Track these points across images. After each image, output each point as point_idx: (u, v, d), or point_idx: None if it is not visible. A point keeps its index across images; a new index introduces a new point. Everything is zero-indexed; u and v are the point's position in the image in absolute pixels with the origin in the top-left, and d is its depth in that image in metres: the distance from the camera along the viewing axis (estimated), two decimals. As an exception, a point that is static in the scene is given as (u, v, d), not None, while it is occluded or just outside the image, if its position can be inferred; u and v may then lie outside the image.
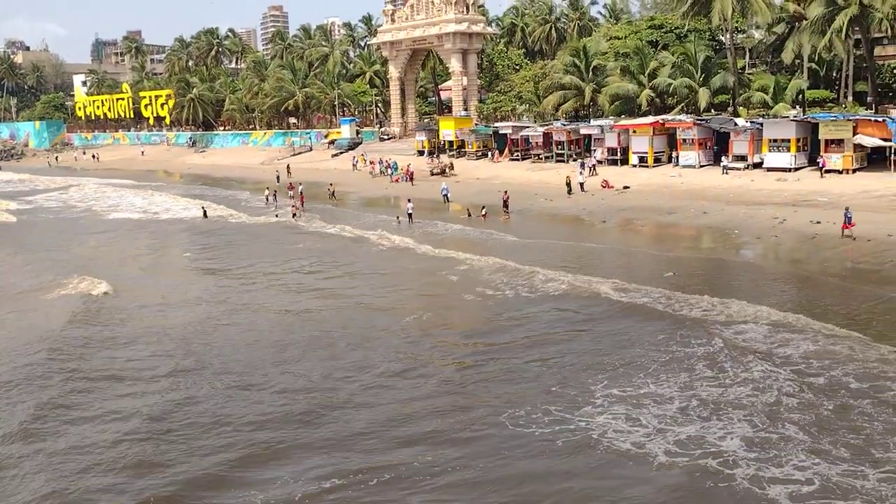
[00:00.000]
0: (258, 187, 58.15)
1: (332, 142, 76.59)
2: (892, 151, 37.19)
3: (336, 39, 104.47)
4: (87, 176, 76.22)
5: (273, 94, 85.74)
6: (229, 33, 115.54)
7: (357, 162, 61.26)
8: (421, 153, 63.71)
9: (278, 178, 59.21)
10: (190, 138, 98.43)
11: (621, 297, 21.56)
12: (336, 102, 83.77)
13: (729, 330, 18.23)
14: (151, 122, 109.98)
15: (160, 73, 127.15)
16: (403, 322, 20.68)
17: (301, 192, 45.68)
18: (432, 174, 53.48)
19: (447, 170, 54.39)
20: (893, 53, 57.54)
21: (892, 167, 37.12)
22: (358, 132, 76.95)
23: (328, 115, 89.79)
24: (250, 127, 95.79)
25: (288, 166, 65.47)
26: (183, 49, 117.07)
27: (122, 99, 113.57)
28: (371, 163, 59.70)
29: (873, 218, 29.68)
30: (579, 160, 48.73)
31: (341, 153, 71.40)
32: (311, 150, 77.69)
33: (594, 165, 47.30)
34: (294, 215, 41.37)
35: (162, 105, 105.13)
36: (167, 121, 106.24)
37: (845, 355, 16.19)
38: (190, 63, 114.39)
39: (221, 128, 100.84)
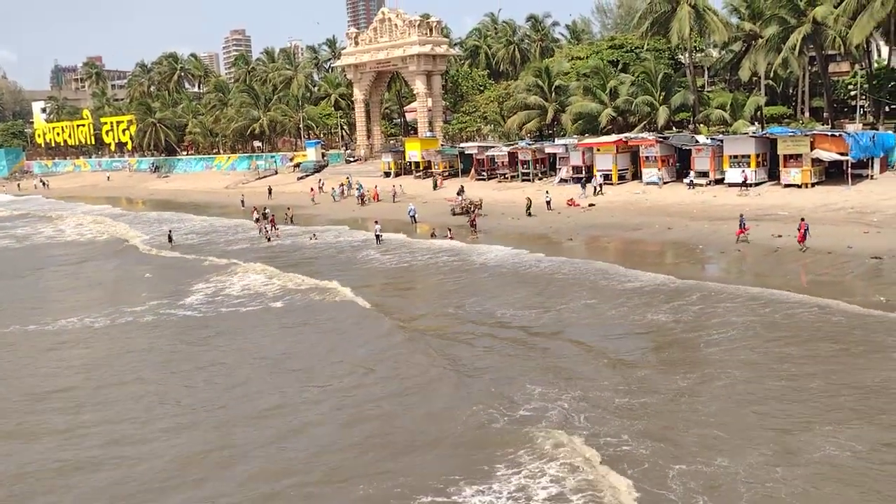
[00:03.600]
0: (225, 212, 57.78)
1: (297, 165, 76.26)
2: (849, 165, 38.06)
3: (300, 62, 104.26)
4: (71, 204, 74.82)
5: (236, 118, 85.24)
6: (191, 57, 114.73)
7: (324, 185, 60.97)
8: (387, 174, 63.66)
9: (242, 202, 58.73)
10: (153, 164, 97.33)
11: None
12: (301, 125, 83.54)
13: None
14: (113, 148, 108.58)
15: (121, 99, 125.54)
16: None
17: (272, 216, 45.33)
18: (454, 214, 43.66)
19: (475, 209, 42.34)
20: (847, 70, 59.14)
21: (849, 181, 37.97)
22: (324, 155, 76.74)
23: (293, 138, 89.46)
24: (214, 151, 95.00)
25: (270, 188, 65.21)
26: (144, 74, 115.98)
27: (83, 125, 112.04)
28: (341, 185, 59.29)
29: (833, 231, 30.31)
30: (582, 179, 47.49)
31: (307, 176, 71.08)
32: (276, 173, 77.24)
33: (601, 184, 45.67)
34: (268, 239, 41.43)
35: (124, 131, 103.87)
36: (129, 146, 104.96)
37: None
38: (152, 88, 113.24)
39: (185, 152, 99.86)
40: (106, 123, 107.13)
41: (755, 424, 14.13)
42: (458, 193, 47.92)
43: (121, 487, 13.58)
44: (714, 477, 12.35)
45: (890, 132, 42.50)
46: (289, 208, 49.82)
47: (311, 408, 16.74)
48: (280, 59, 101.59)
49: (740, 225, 30.90)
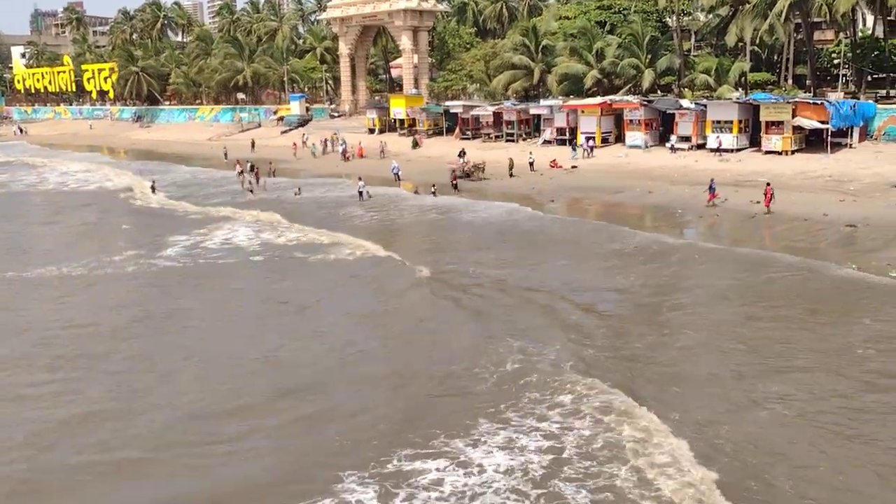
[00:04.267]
0: (208, 164, 57.53)
1: (281, 118, 75.68)
2: (829, 134, 38.55)
3: (285, 14, 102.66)
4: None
5: (220, 69, 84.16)
6: (175, 5, 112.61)
7: (308, 139, 60.70)
8: (371, 131, 63.42)
9: (226, 154, 58.45)
10: (135, 113, 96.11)
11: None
12: (285, 78, 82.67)
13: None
14: (94, 96, 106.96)
15: (103, 46, 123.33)
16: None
17: (256, 169, 45.23)
18: (455, 179, 40.26)
19: (477, 172, 42.25)
20: (831, 38, 59.31)
21: (829, 149, 38.51)
22: (308, 109, 76.17)
23: (277, 91, 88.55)
24: (197, 102, 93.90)
25: (253, 141, 64.77)
26: (127, 21, 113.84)
27: (64, 72, 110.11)
28: (324, 141, 59.09)
29: (810, 198, 30.91)
30: (575, 142, 47.45)
31: (291, 130, 70.66)
32: (259, 126, 76.66)
33: (592, 147, 45.82)
34: (251, 191, 41.37)
35: (105, 79, 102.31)
36: (111, 95, 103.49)
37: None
38: (134, 36, 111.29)
39: (167, 102, 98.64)
40: (87, 71, 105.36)
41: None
42: (459, 155, 46.00)
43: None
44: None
45: (871, 102, 42.96)
46: (271, 162, 49.74)
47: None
48: (265, 9, 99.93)
49: (710, 189, 31.39)
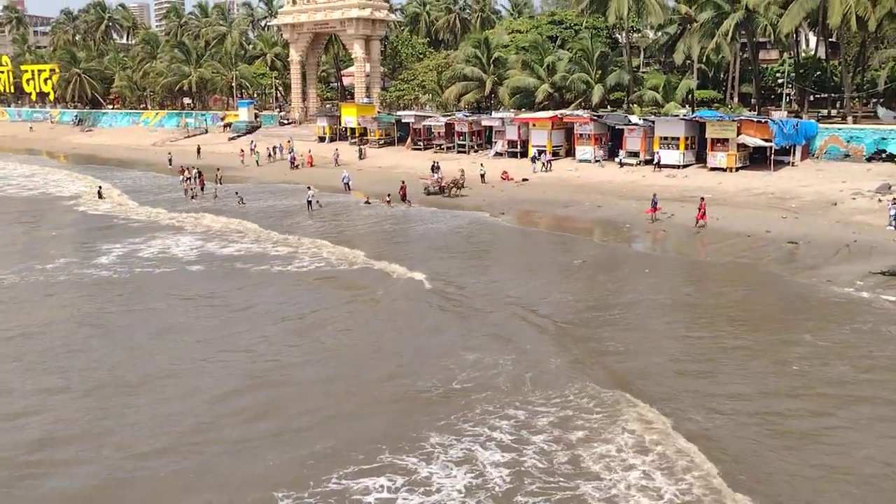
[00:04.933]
0: (151, 170, 56.16)
1: (228, 124, 74.42)
2: (772, 152, 39.37)
3: (234, 19, 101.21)
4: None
5: (166, 73, 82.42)
6: (120, 7, 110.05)
7: (256, 147, 59.65)
8: (322, 139, 62.77)
9: (170, 160, 57.10)
10: (76, 116, 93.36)
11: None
12: (233, 84, 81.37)
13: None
14: (34, 97, 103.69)
15: (44, 47, 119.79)
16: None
17: (201, 176, 44.23)
18: (428, 194, 39.67)
19: (454, 189, 39.85)
20: (776, 58, 60.95)
21: (772, 167, 39.32)
22: (256, 115, 75.07)
23: (225, 96, 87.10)
24: (141, 106, 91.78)
25: (199, 147, 63.32)
26: (69, 22, 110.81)
27: (2, 72, 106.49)
28: (272, 148, 58.24)
29: (753, 215, 31.43)
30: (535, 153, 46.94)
31: (239, 136, 69.47)
32: (206, 132, 75.19)
33: (549, 161, 45.61)
34: (192, 197, 40.73)
35: (45, 80, 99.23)
36: (51, 97, 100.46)
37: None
38: (77, 37, 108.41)
39: (110, 106, 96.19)
40: (27, 72, 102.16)
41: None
42: (432, 169, 43.32)
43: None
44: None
45: (813, 121, 44.08)
46: (218, 169, 48.69)
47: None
48: (214, 14, 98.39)
49: (652, 204, 31.73)
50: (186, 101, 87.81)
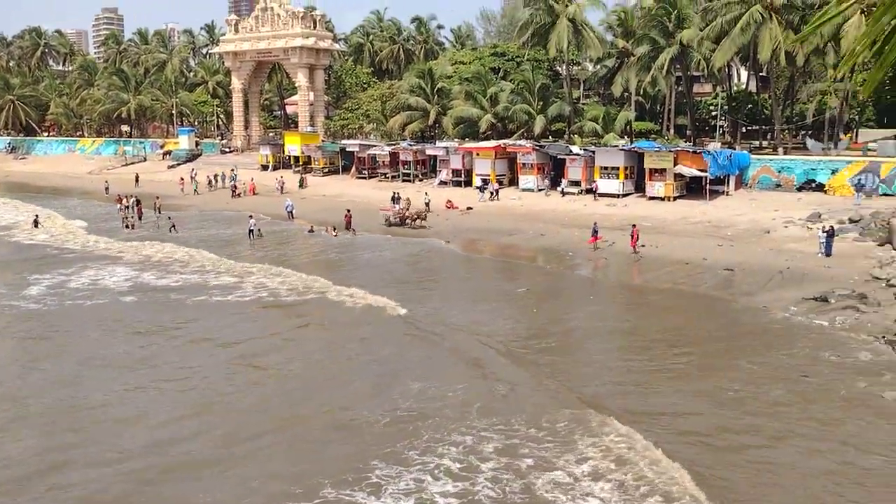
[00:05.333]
0: (87, 198, 54.76)
1: (168, 152, 73.20)
2: (708, 181, 40.55)
3: (175, 46, 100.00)
4: None
5: (104, 100, 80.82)
6: (57, 33, 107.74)
7: (197, 175, 58.69)
8: (265, 167, 62.25)
9: (107, 189, 55.80)
10: (9, 143, 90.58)
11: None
12: (174, 111, 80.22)
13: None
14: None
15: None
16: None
17: (138, 205, 43.31)
18: (389, 225, 38.71)
19: (418, 221, 38.48)
20: (709, 91, 63.04)
21: (708, 196, 40.46)
22: (197, 143, 74.04)
23: (165, 124, 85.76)
24: (78, 134, 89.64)
25: (137, 175, 62.03)
26: (3, 48, 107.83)
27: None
28: (213, 176, 57.45)
29: (691, 243, 32.19)
30: (482, 183, 47.28)
31: (178, 165, 68.36)
32: (145, 160, 73.85)
33: (497, 190, 45.72)
34: (126, 227, 39.99)
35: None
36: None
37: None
38: (11, 63, 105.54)
39: (45, 133, 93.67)
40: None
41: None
42: (392, 200, 42.24)
43: None
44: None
45: (745, 152, 45.63)
46: (157, 197, 47.72)
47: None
48: (154, 41, 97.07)
49: (593, 233, 32.34)
50: (125, 128, 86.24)
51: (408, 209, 39.35)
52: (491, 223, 39.18)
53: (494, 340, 20.05)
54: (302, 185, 54.61)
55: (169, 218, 38.94)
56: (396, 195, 43.53)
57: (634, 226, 31.89)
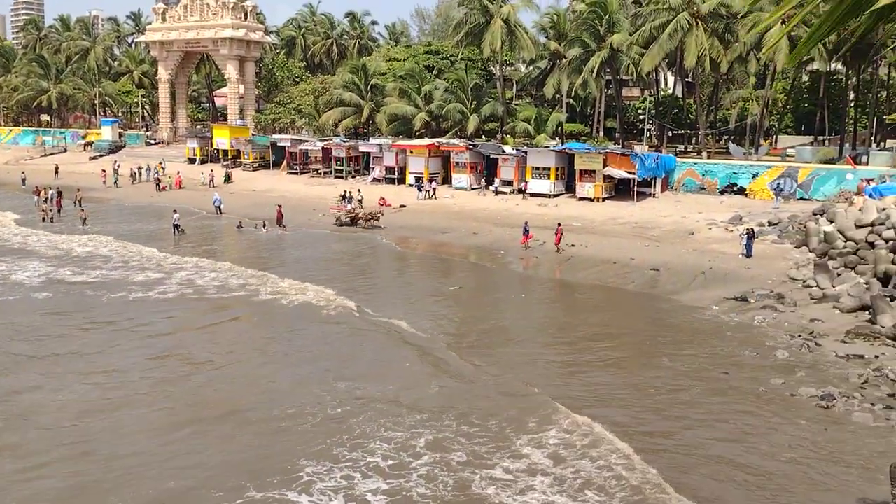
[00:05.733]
0: (2, 189, 52.36)
1: (89, 143, 70.68)
2: (636, 183, 41.48)
3: (99, 34, 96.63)
4: None
5: (22, 87, 77.46)
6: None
7: (120, 167, 56.77)
8: (192, 160, 60.74)
9: (24, 180, 53.52)
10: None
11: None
12: (96, 101, 77.52)
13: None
14: None
15: None
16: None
17: (58, 197, 41.65)
18: (340, 224, 37.70)
19: (372, 221, 37.34)
20: (638, 95, 64.51)
21: (635, 198, 41.39)
22: (121, 135, 71.72)
23: (87, 114, 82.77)
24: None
25: (56, 167, 59.63)
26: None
27: None
28: (138, 169, 55.73)
29: (618, 243, 32.86)
30: (419, 181, 46.83)
31: (101, 156, 66.08)
32: (65, 151, 71.11)
33: (435, 188, 45.83)
34: (43, 219, 38.55)
35: None
36: None
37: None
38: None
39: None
40: None
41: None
42: (343, 198, 40.95)
43: None
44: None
45: (672, 155, 46.85)
46: (78, 190, 46.01)
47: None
48: (77, 28, 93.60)
49: (524, 232, 32.81)
50: (44, 117, 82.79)
51: (359, 208, 38.73)
52: (424, 221, 39.15)
53: (426, 336, 20.03)
54: (228, 179, 53.43)
55: (82, 209, 37.53)
56: (347, 193, 42.64)
57: (559, 224, 32.59)
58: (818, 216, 31.03)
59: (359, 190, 44.60)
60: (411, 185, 47.65)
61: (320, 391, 16.16)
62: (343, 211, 38.98)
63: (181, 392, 16.26)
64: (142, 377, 17.00)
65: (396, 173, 49.82)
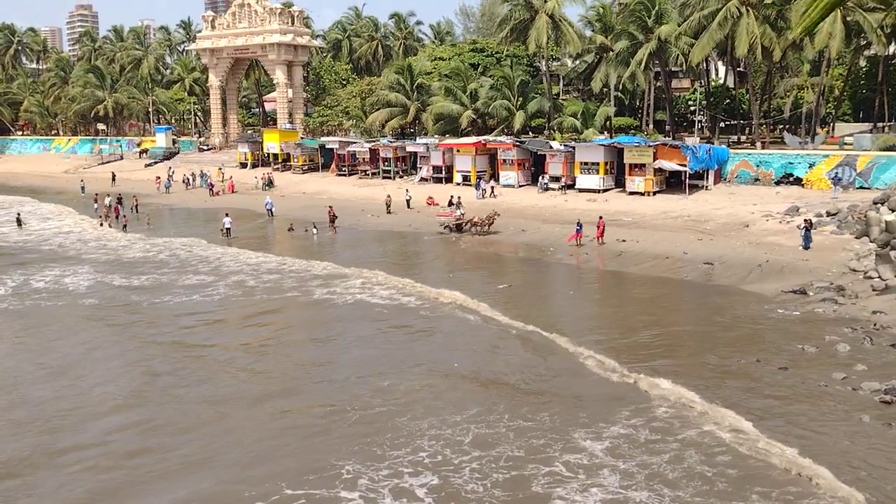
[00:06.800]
0: (63, 198, 54.02)
1: (144, 151, 72.48)
2: (687, 176, 40.73)
3: (151, 43, 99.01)
4: None
5: (79, 98, 79.83)
6: (30, 31, 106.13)
7: (174, 173, 58.05)
8: (244, 165, 61.81)
9: (83, 188, 55.15)
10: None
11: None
12: (150, 109, 79.43)
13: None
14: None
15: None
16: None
17: (115, 204, 42.80)
18: (449, 231, 35.88)
19: (486, 227, 35.40)
20: (688, 86, 63.38)
21: (687, 191, 40.65)
22: (175, 141, 73.36)
23: (141, 122, 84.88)
24: (53, 132, 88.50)
25: (113, 174, 61.49)
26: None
27: None
28: (191, 175, 56.97)
29: (671, 237, 32.30)
30: (480, 180, 46.29)
31: (156, 163, 67.70)
32: (121, 158, 73.06)
33: (493, 187, 45.10)
34: (101, 224, 39.84)
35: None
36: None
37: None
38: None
39: (19, 132, 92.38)
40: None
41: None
42: (450, 204, 39.17)
43: None
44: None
45: (724, 146, 45.87)
46: (135, 196, 47.22)
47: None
48: (130, 38, 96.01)
49: (577, 230, 32.14)
50: (101, 126, 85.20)
51: (465, 215, 36.55)
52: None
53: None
54: (270, 184, 53.64)
55: (147, 215, 38.53)
56: (455, 199, 39.74)
57: (601, 218, 32.38)
58: (879, 205, 29.95)
59: (407, 190, 44.69)
60: (458, 184, 47.55)
61: (371, 384, 16.26)
62: (451, 217, 37.06)
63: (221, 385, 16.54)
64: (184, 370, 17.32)
65: (444, 172, 49.85)
